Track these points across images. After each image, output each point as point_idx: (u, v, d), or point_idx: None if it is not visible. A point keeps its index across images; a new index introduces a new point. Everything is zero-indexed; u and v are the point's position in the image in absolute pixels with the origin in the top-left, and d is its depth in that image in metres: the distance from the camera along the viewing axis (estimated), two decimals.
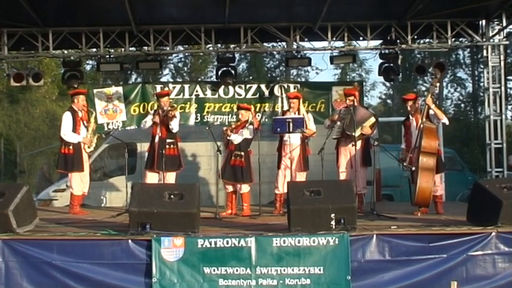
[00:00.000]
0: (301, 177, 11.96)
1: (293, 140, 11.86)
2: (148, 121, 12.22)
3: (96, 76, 29.05)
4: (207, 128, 12.31)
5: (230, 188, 12.13)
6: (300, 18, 14.58)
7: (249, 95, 15.00)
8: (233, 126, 12.10)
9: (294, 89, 14.99)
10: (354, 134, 11.37)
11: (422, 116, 11.04)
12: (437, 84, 11.50)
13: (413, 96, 11.82)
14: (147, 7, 13.95)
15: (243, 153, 11.85)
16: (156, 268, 8.29)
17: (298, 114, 12.05)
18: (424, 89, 33.10)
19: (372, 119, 11.75)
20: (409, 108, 11.66)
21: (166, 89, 14.49)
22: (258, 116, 14.35)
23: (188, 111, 14.87)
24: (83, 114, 12.20)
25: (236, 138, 11.85)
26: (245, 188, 12.02)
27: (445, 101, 35.99)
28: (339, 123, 11.79)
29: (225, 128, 12.13)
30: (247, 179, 11.93)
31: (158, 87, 14.83)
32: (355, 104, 11.86)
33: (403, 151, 11.74)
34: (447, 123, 11.35)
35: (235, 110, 13.77)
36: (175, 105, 12.96)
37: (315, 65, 24.28)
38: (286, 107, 13.59)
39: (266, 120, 14.23)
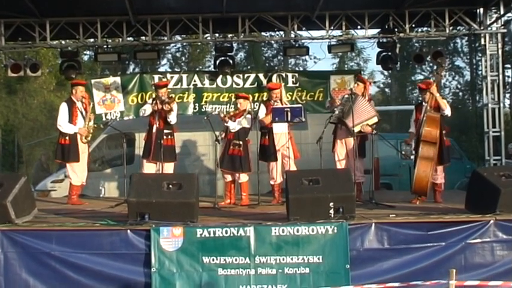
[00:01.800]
0: (294, 165, 11.99)
1: (284, 129, 11.90)
2: (147, 109, 12.17)
3: (94, 66, 28.94)
4: (205, 117, 12.29)
5: (229, 178, 12.13)
6: (297, 7, 14.54)
7: (247, 85, 14.98)
8: (231, 113, 12.10)
9: (292, 78, 15.01)
10: (353, 128, 11.36)
11: (428, 105, 11.02)
12: (443, 73, 11.45)
13: (426, 85, 11.62)
14: None
15: (241, 143, 11.85)
16: (155, 258, 8.31)
17: (281, 104, 12.04)
18: (421, 77, 33.08)
19: (375, 119, 11.69)
20: (423, 96, 11.49)
21: (164, 79, 14.47)
22: (256, 105, 14.34)
23: (186, 101, 14.85)
24: (81, 105, 12.21)
25: (233, 126, 11.84)
26: (244, 178, 12.02)
27: (443, 90, 35.94)
28: (337, 110, 11.77)
29: (222, 115, 12.10)
30: (245, 168, 11.93)
31: (156, 77, 14.80)
32: (364, 93, 11.82)
33: (411, 135, 11.66)
34: (449, 114, 11.26)
35: (233, 99, 13.74)
36: (173, 96, 12.92)
37: (313, 54, 24.39)
38: (266, 97, 13.49)
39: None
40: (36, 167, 20.01)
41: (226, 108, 14.44)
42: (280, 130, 11.94)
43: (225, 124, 11.91)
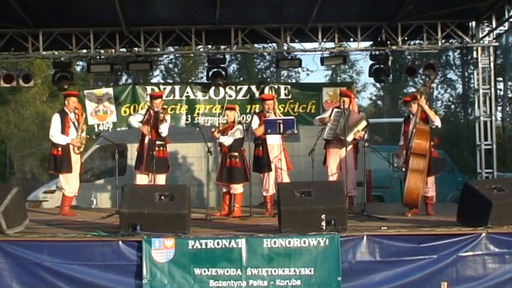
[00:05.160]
0: (287, 177, 12.00)
1: (277, 141, 11.92)
2: (136, 122, 12.23)
3: (87, 77, 28.89)
4: (197, 129, 12.30)
5: (225, 189, 12.13)
6: (290, 19, 14.57)
7: (239, 96, 14.99)
8: (221, 128, 12.06)
9: (285, 90, 15.03)
10: (346, 138, 11.38)
11: (416, 117, 11.05)
12: (431, 85, 11.49)
13: (410, 98, 11.70)
14: (138, 8, 13.95)
15: (237, 154, 11.87)
16: (146, 269, 8.30)
17: (275, 115, 12.06)
18: (414, 90, 33.10)
19: (364, 123, 11.75)
20: (409, 109, 11.57)
21: (157, 90, 14.47)
22: (249, 117, 14.33)
23: (179, 112, 14.86)
24: (74, 116, 12.21)
25: (226, 140, 11.84)
26: (239, 189, 12.01)
27: (435, 102, 36.03)
28: (330, 124, 11.78)
29: (212, 130, 12.09)
30: (244, 178, 11.93)
31: (149, 88, 14.82)
32: (349, 107, 11.84)
33: (401, 148, 11.70)
34: (439, 125, 11.30)
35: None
36: (166, 107, 12.93)
37: (305, 66, 24.16)
38: (259, 109, 13.54)
39: None
40: (17, 179, 19.92)
41: (218, 120, 14.40)
42: (273, 141, 11.96)
43: (218, 140, 11.92)
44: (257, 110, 14.45)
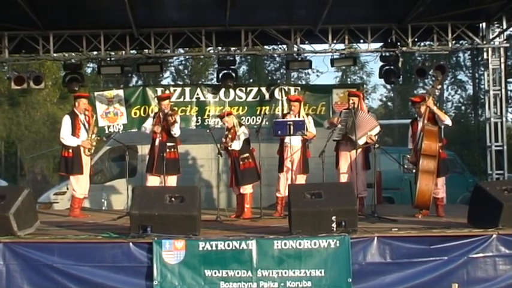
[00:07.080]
0: (301, 179, 11.96)
1: (294, 142, 11.86)
2: (148, 128, 12.24)
3: (97, 79, 29.04)
4: (207, 131, 12.31)
5: (237, 191, 12.13)
6: (300, 20, 14.56)
7: (249, 98, 14.99)
8: (229, 136, 12.01)
9: (295, 91, 14.98)
10: (357, 141, 11.37)
11: (424, 118, 11.02)
12: (439, 86, 11.47)
13: (420, 99, 11.69)
14: (148, 10, 13.96)
15: (248, 154, 11.89)
16: (157, 271, 8.30)
17: (299, 117, 12.05)
18: (424, 91, 33.06)
19: (378, 129, 11.76)
20: (417, 110, 11.56)
21: (167, 92, 14.48)
22: (259, 118, 14.35)
23: (189, 114, 14.85)
24: (84, 117, 12.24)
25: (237, 145, 11.83)
26: (248, 188, 12.01)
27: (445, 103, 35.97)
28: (339, 125, 11.79)
29: (224, 142, 12.01)
30: (256, 177, 11.97)
31: (159, 90, 14.80)
32: (358, 106, 11.85)
33: (412, 152, 11.63)
34: (450, 124, 11.31)
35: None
36: (176, 109, 12.94)
37: (315, 67, 24.14)
38: (286, 110, 13.62)
39: (266, 123, 14.21)
40: (27, 181, 19.98)
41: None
42: (289, 142, 11.91)
43: (230, 149, 11.91)
44: (267, 112, 14.49)
